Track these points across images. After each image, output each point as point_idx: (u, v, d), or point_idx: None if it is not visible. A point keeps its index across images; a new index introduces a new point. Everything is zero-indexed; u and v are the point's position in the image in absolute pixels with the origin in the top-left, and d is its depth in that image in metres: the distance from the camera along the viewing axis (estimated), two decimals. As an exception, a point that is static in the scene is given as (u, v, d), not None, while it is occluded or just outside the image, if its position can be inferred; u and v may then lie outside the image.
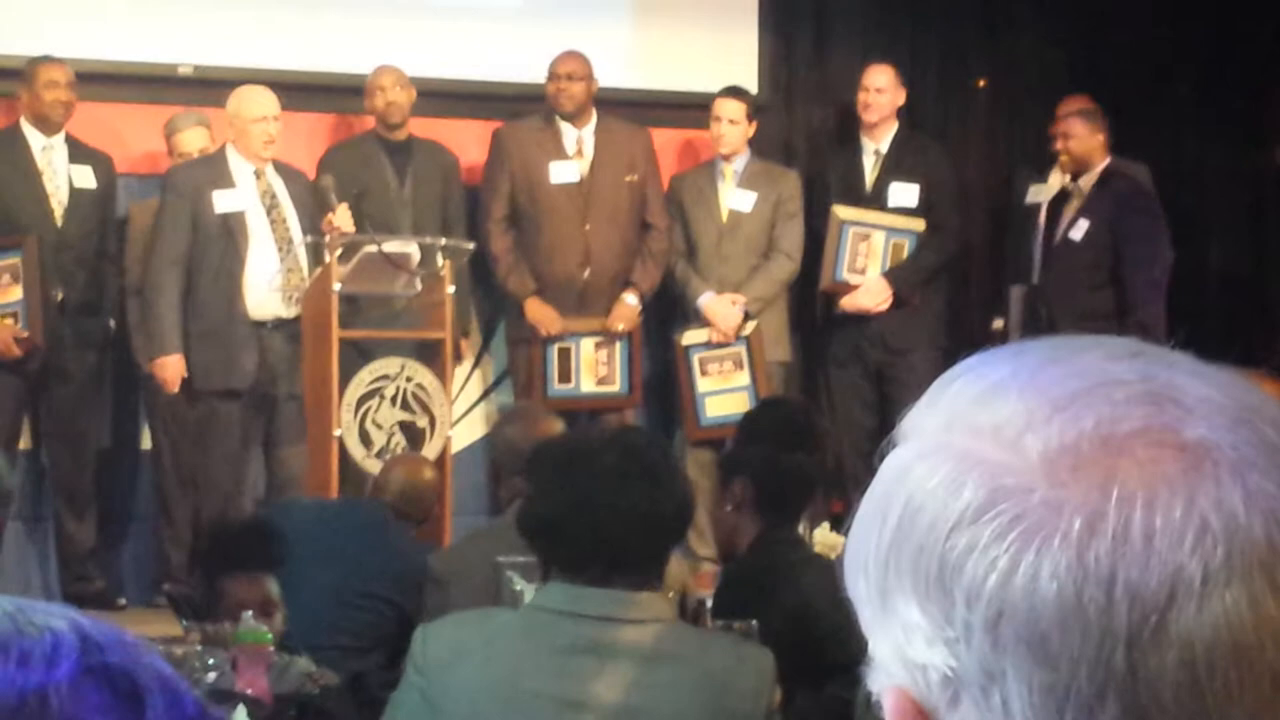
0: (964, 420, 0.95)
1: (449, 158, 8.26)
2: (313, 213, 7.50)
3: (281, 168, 7.61)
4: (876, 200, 8.45)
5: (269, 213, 7.51)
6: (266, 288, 7.42)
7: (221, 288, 7.41)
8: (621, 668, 3.18)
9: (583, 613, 3.17)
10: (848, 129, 8.70)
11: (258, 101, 7.54)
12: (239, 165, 7.54)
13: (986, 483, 0.92)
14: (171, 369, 7.43)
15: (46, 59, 7.65)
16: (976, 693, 0.92)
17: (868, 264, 8.34)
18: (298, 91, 7.81)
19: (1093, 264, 8.06)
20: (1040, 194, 8.54)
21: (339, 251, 6.97)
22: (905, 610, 0.94)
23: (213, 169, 7.53)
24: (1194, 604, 0.89)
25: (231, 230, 7.45)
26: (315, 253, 7.25)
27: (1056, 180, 8.50)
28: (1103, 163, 8.24)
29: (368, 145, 8.09)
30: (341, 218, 7.25)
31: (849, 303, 8.33)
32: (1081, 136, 8.21)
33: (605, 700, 3.16)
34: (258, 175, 7.53)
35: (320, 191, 7.37)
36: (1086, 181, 8.23)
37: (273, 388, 7.47)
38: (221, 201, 7.45)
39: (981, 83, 9.34)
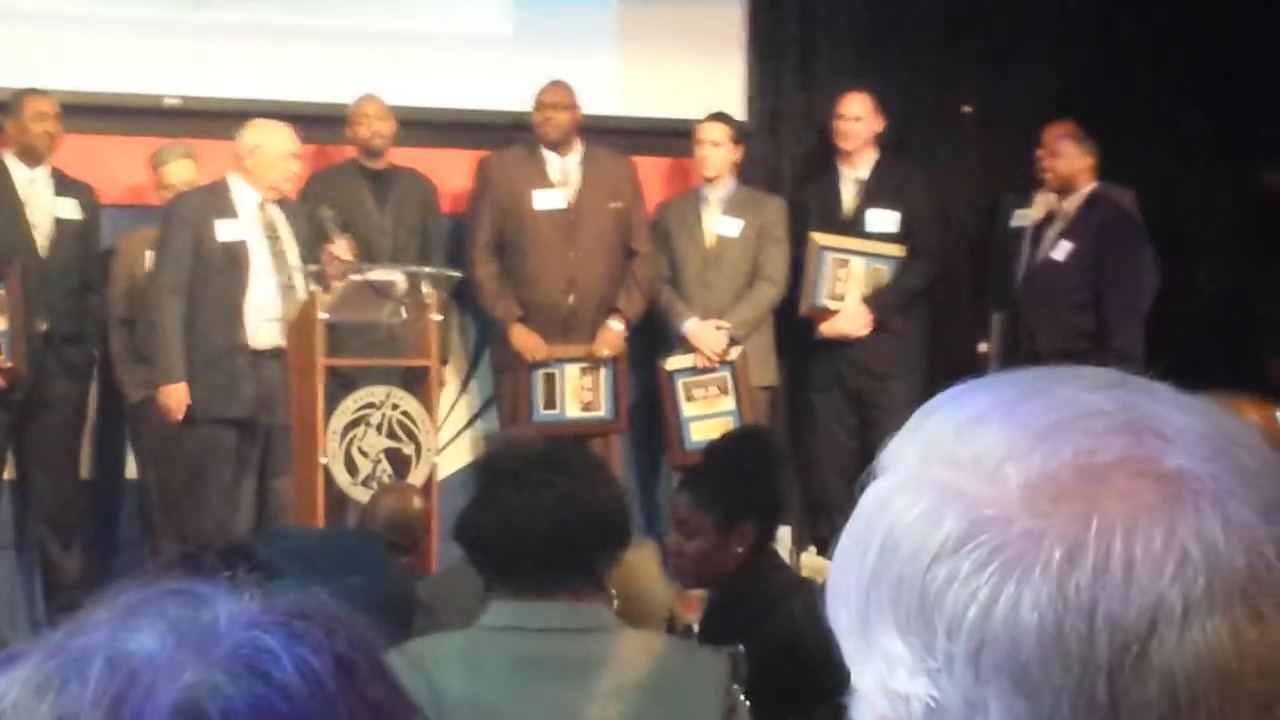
0: (944, 452, 0.95)
1: (428, 186, 8.28)
2: (309, 243, 7.49)
3: (284, 202, 7.60)
4: (855, 227, 8.46)
5: (270, 244, 7.50)
6: (264, 317, 7.37)
7: (222, 316, 7.38)
8: (568, 678, 3.18)
9: (525, 626, 3.19)
10: (830, 156, 8.71)
11: (287, 137, 7.57)
12: (243, 195, 7.51)
13: (966, 514, 0.92)
14: (176, 397, 7.40)
15: (33, 91, 7.66)
16: (959, 723, 0.92)
17: (847, 290, 8.35)
18: (283, 121, 7.79)
19: (1074, 285, 8.07)
20: (1025, 219, 8.55)
21: (331, 280, 6.97)
22: (887, 641, 0.94)
23: (216, 198, 7.51)
24: (1175, 634, 0.89)
25: (235, 259, 7.43)
26: (316, 283, 7.20)
27: (1042, 205, 8.51)
28: (1089, 186, 8.25)
29: (348, 174, 8.11)
30: (341, 247, 7.27)
31: (829, 328, 8.35)
32: (1069, 157, 8.23)
33: (556, 712, 3.16)
34: (260, 207, 7.52)
35: (320, 222, 7.38)
36: (1071, 204, 8.25)
37: (269, 417, 7.45)
38: (224, 230, 7.44)
39: (968, 109, 9.35)
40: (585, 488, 3.27)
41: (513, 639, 3.19)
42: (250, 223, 7.50)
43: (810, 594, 4.39)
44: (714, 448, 4.92)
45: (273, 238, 7.51)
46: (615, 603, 3.36)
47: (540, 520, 3.21)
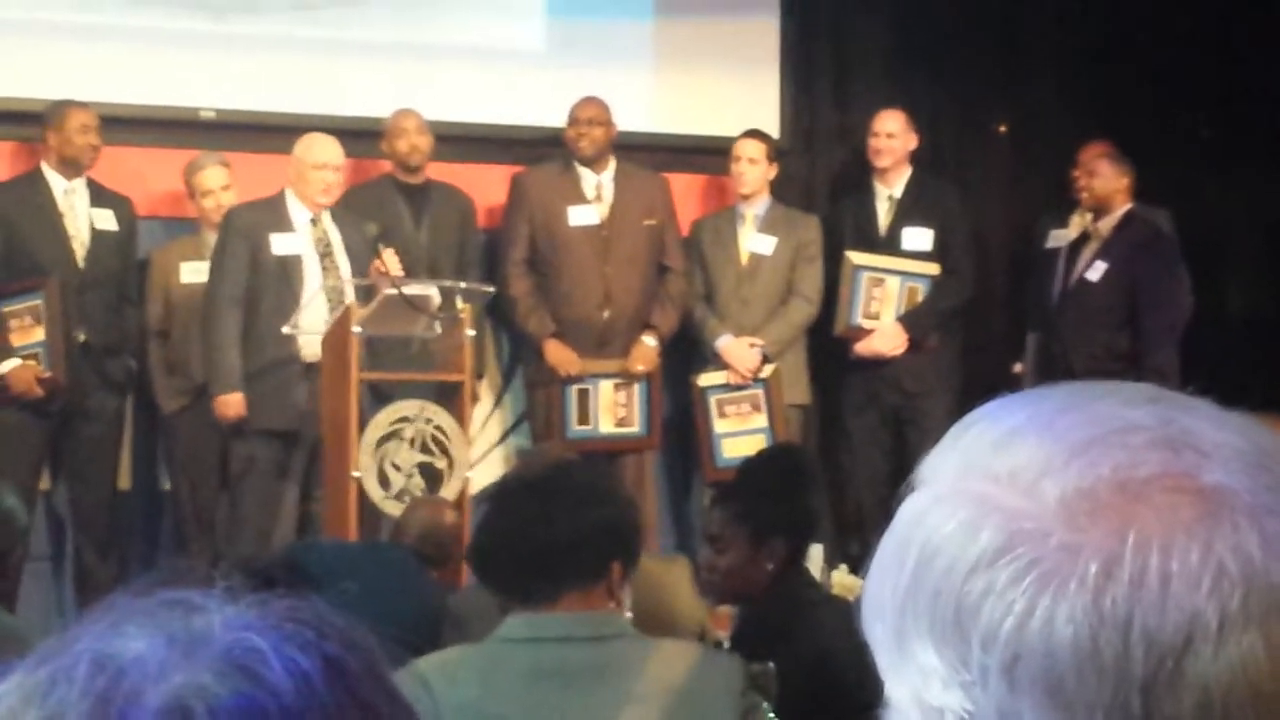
0: (981, 465, 0.95)
1: (465, 201, 8.28)
2: (363, 260, 7.50)
3: (338, 216, 7.59)
4: (890, 245, 8.45)
5: (322, 259, 7.51)
6: (314, 330, 7.30)
7: (276, 329, 7.35)
8: (585, 686, 3.17)
9: (541, 637, 3.19)
10: (865, 174, 8.71)
11: (321, 148, 7.57)
12: (297, 210, 7.52)
13: (1003, 527, 0.92)
14: (234, 407, 7.41)
15: (74, 103, 7.66)
16: (993, 736, 0.92)
17: (882, 309, 8.34)
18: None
19: (1109, 305, 8.06)
20: (1061, 239, 8.53)
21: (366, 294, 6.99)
22: (922, 654, 0.94)
23: (272, 211, 7.51)
24: (1211, 649, 0.89)
25: (288, 273, 7.44)
26: (365, 297, 7.17)
27: (1077, 225, 8.50)
28: (1124, 206, 8.23)
29: (385, 188, 8.10)
30: (390, 262, 7.28)
31: (864, 348, 8.33)
32: (1106, 177, 8.21)
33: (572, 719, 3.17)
34: (314, 222, 7.53)
35: (366, 237, 7.39)
36: (1106, 224, 8.23)
37: (314, 431, 7.43)
38: (279, 244, 7.45)
39: (1002, 128, 9.34)
40: (588, 497, 3.28)
41: (529, 650, 3.19)
42: (304, 237, 7.51)
43: (840, 611, 4.39)
44: (748, 464, 4.92)
45: (325, 254, 7.52)
46: (628, 613, 3.36)
47: (544, 530, 3.22)
